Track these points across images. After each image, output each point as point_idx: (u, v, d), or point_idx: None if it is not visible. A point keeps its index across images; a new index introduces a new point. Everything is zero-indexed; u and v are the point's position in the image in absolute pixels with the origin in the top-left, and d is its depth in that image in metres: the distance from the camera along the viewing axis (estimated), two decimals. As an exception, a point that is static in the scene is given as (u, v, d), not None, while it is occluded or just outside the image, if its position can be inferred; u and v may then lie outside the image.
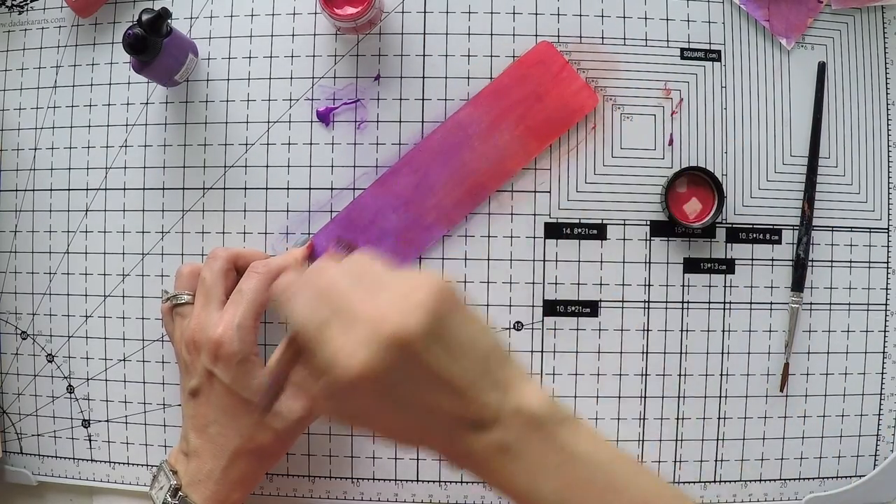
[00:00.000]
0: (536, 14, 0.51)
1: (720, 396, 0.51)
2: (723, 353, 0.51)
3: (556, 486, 0.33)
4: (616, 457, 0.35)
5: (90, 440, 0.53)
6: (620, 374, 0.51)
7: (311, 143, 0.51)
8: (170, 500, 0.43)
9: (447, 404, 0.32)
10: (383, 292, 0.32)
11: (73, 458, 0.53)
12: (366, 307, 0.32)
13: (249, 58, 0.52)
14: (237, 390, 0.43)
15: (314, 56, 0.52)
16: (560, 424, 0.34)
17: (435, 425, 0.33)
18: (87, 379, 0.53)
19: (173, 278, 0.50)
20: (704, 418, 0.51)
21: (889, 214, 0.52)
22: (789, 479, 0.51)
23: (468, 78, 0.51)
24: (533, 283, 0.51)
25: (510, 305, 0.51)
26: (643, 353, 0.51)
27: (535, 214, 0.51)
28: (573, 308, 0.51)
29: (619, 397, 0.51)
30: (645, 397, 0.51)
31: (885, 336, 0.51)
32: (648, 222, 0.51)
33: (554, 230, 0.51)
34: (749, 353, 0.51)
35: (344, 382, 0.31)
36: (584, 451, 0.34)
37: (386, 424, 0.34)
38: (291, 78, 0.52)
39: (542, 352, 0.51)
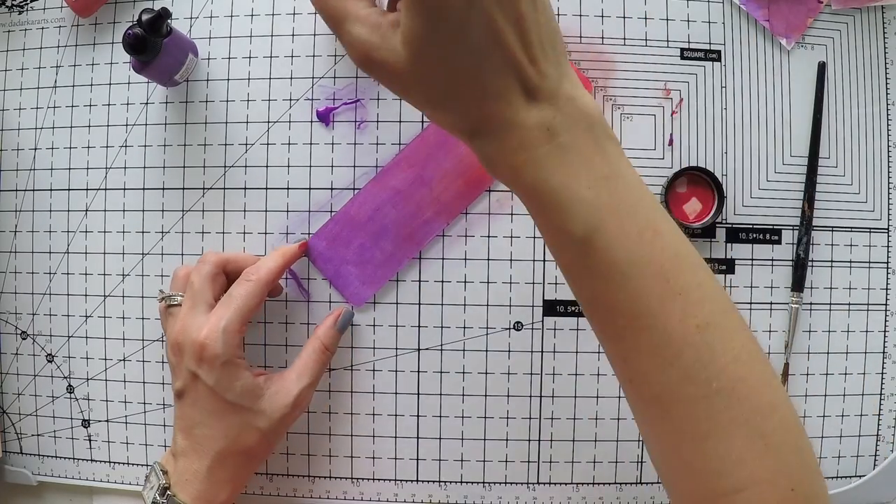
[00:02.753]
0: (536, 14, 0.51)
1: (720, 396, 0.51)
2: (723, 353, 0.51)
3: (594, 198, 0.29)
4: (657, 200, 0.31)
5: (90, 440, 0.53)
6: (620, 374, 0.51)
7: (311, 143, 0.51)
8: (158, 498, 0.43)
9: (513, 46, 0.29)
10: None
11: (73, 458, 0.53)
12: None
13: (249, 58, 0.52)
14: (221, 392, 0.43)
15: (314, 56, 0.52)
16: (609, 138, 0.31)
17: (491, 71, 0.29)
18: (87, 379, 0.53)
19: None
20: (704, 418, 0.51)
21: (889, 214, 0.52)
22: (789, 479, 0.51)
23: (468, 78, 0.51)
24: (533, 283, 0.51)
25: (510, 305, 0.51)
26: (643, 353, 0.51)
27: (535, 214, 0.51)
28: (573, 308, 0.51)
29: (619, 397, 0.51)
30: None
31: (885, 336, 0.51)
32: (648, 222, 0.51)
33: (554, 230, 0.51)
34: (749, 353, 0.51)
35: None
36: (630, 175, 0.31)
37: (442, 56, 0.29)
38: (291, 78, 0.52)
39: (542, 352, 0.51)
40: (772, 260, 0.51)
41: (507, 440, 0.51)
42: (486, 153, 0.31)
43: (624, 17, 0.51)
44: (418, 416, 0.51)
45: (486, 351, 0.51)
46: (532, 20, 0.29)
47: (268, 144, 0.52)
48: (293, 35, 0.52)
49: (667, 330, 0.30)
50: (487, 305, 0.51)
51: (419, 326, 0.51)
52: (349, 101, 0.51)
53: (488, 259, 0.51)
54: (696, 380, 0.30)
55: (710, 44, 0.51)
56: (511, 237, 0.51)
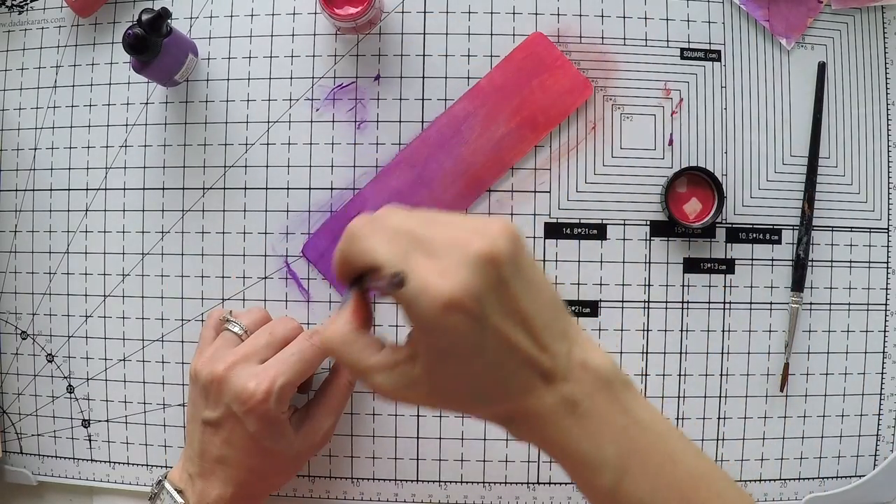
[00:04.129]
0: (536, 14, 0.51)
1: (720, 396, 0.51)
2: (723, 353, 0.51)
3: (618, 450, 0.32)
4: (672, 428, 0.34)
5: (90, 440, 0.53)
6: (620, 374, 0.51)
7: (311, 143, 0.51)
8: None
9: (525, 345, 0.31)
10: (458, 225, 0.32)
11: (73, 458, 0.53)
12: (446, 236, 0.31)
13: (249, 58, 0.52)
14: (260, 440, 0.43)
15: (314, 56, 0.52)
16: (624, 386, 0.33)
17: (509, 374, 0.32)
18: (87, 379, 0.53)
19: (176, 279, 0.50)
20: (704, 418, 0.51)
21: (889, 214, 0.52)
22: (789, 479, 0.51)
23: (468, 78, 0.51)
24: (533, 283, 0.51)
25: (510, 305, 0.51)
26: (643, 353, 0.51)
27: (535, 214, 0.51)
28: (573, 307, 0.51)
29: (619, 397, 0.51)
30: (645, 397, 0.51)
31: (885, 336, 0.51)
32: (648, 222, 0.51)
33: (554, 230, 0.51)
34: (749, 353, 0.51)
35: (438, 306, 0.29)
36: (646, 417, 0.33)
37: (463, 373, 0.32)
38: (291, 78, 0.52)
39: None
40: (772, 260, 0.51)
41: (507, 440, 0.51)
42: (520, 435, 0.34)
43: (624, 17, 0.51)
44: (418, 416, 0.51)
45: (486, 351, 0.51)
46: (535, 313, 0.32)
47: (268, 144, 0.52)
48: (293, 35, 0.52)
49: None
50: (487, 305, 0.51)
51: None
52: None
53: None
54: None
55: (710, 44, 0.51)
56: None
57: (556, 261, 0.51)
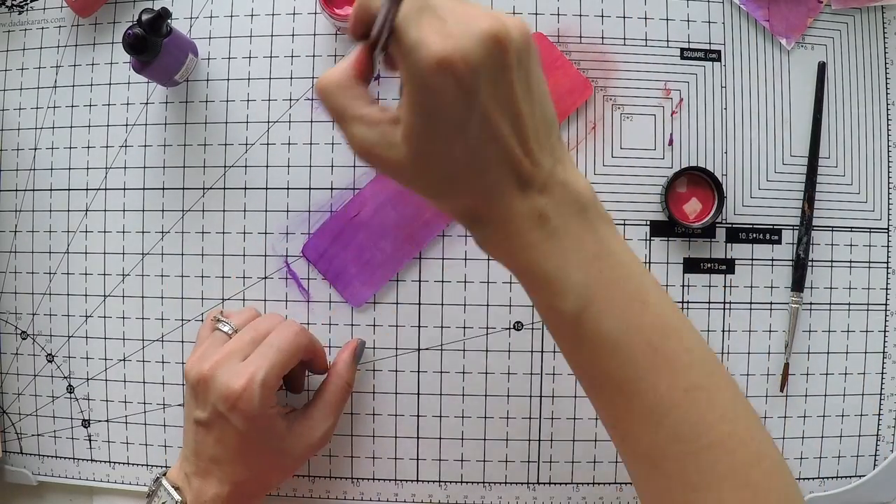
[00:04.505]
0: (536, 14, 0.51)
1: (720, 396, 0.51)
2: (723, 353, 0.51)
3: (585, 277, 0.32)
4: (646, 271, 0.34)
5: (90, 440, 0.53)
6: (620, 374, 0.51)
7: (311, 143, 0.51)
8: None
9: (510, 141, 0.31)
10: (478, 6, 0.31)
11: (73, 458, 0.53)
12: (463, 9, 0.30)
13: (249, 58, 0.52)
14: (250, 438, 0.43)
15: (314, 56, 0.52)
16: (601, 218, 0.33)
17: (487, 164, 0.31)
18: (87, 379, 0.53)
19: (176, 279, 0.50)
20: (704, 418, 0.51)
21: (889, 214, 0.52)
22: (789, 479, 0.51)
23: (468, 78, 0.51)
24: (533, 283, 0.51)
25: (510, 305, 0.51)
26: (643, 353, 0.51)
27: (535, 214, 0.51)
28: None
29: (619, 397, 0.51)
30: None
31: (885, 336, 0.51)
32: (648, 222, 0.51)
33: (554, 230, 0.51)
34: (749, 353, 0.51)
35: (431, 61, 0.29)
36: (620, 251, 0.33)
37: (441, 149, 0.31)
38: (291, 78, 0.52)
39: (542, 352, 0.51)
40: (772, 260, 0.51)
41: (507, 440, 0.51)
42: (483, 238, 0.33)
43: (624, 17, 0.51)
44: (418, 416, 0.51)
45: (486, 351, 0.51)
46: (528, 114, 0.31)
47: (268, 144, 0.52)
48: (293, 35, 0.52)
49: (655, 395, 0.32)
50: (487, 305, 0.51)
51: (419, 326, 0.51)
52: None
53: (488, 259, 0.51)
54: (685, 438, 0.32)
55: (710, 44, 0.51)
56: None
57: (556, 261, 0.51)
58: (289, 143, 0.52)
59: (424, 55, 0.29)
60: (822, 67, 0.51)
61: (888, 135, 0.52)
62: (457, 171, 0.32)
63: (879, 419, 0.51)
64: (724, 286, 0.51)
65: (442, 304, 0.51)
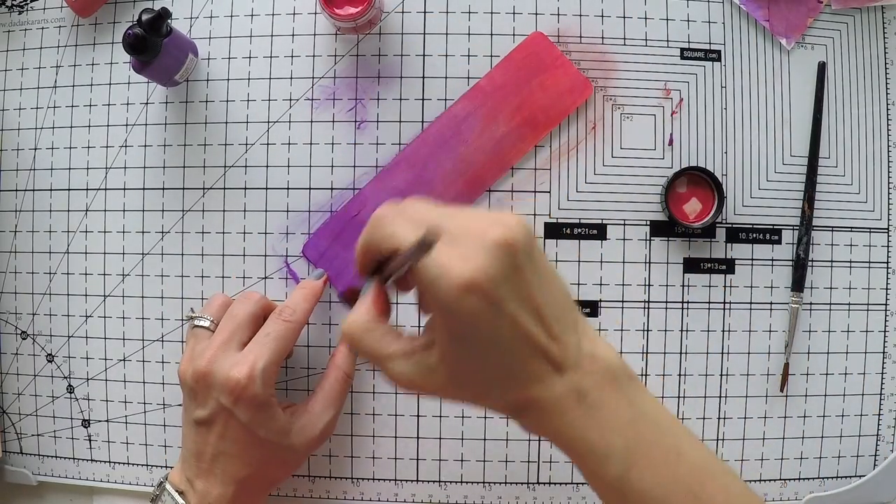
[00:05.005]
0: (536, 14, 0.51)
1: (720, 396, 0.51)
2: (723, 353, 0.51)
3: (625, 441, 0.33)
4: (676, 422, 0.35)
5: (90, 440, 0.53)
6: (620, 374, 0.51)
7: (311, 143, 0.51)
8: None
9: (537, 333, 0.32)
10: (477, 216, 0.33)
11: (73, 458, 0.53)
12: (466, 225, 0.32)
13: (249, 58, 0.52)
14: (253, 429, 0.43)
15: (314, 56, 0.52)
16: (631, 380, 0.34)
17: (521, 362, 0.33)
18: (87, 379, 0.53)
19: (176, 279, 0.50)
20: (704, 418, 0.51)
21: (889, 214, 0.52)
22: (789, 479, 0.51)
23: (468, 78, 0.51)
24: (533, 283, 0.51)
25: (510, 305, 0.51)
26: (643, 353, 0.51)
27: (535, 214, 0.51)
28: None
29: (619, 397, 0.51)
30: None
31: (885, 336, 0.51)
32: (648, 222, 0.51)
33: (554, 230, 0.51)
34: (749, 353, 0.51)
35: (457, 287, 0.31)
36: (652, 410, 0.34)
37: (478, 360, 0.33)
38: (291, 78, 0.52)
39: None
40: (772, 260, 0.51)
41: (507, 440, 0.51)
42: (530, 425, 0.35)
43: (624, 17, 0.51)
44: (418, 416, 0.51)
45: (486, 351, 0.51)
46: (546, 303, 0.33)
47: (268, 144, 0.52)
48: (293, 35, 0.52)
49: None
50: (487, 305, 0.51)
51: (419, 326, 0.51)
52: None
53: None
54: None
55: (710, 44, 0.51)
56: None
57: (556, 261, 0.51)
58: (289, 143, 0.52)
59: (448, 285, 0.31)
60: (822, 67, 0.51)
61: (888, 135, 0.52)
62: (495, 374, 0.34)
63: (879, 419, 0.51)
64: (724, 286, 0.51)
65: (442, 304, 0.51)
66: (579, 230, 0.51)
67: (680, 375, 0.51)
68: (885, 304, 0.51)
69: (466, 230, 0.32)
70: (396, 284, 0.37)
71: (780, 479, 0.51)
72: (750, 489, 0.36)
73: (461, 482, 0.51)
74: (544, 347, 0.33)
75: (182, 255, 0.52)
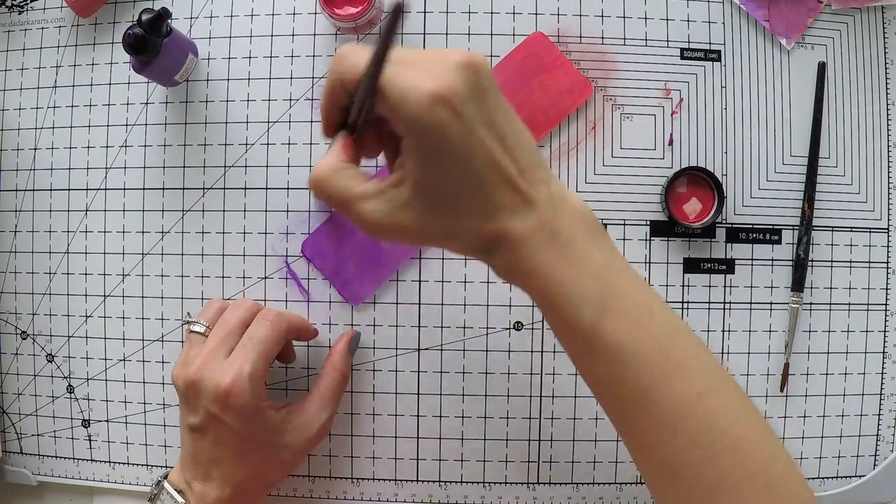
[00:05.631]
0: (536, 14, 0.51)
1: (720, 396, 0.51)
2: (723, 353, 0.51)
3: (598, 287, 0.33)
4: (645, 281, 0.35)
5: (90, 440, 0.53)
6: (620, 374, 0.51)
7: (311, 144, 0.51)
8: None
9: (505, 162, 0.32)
10: (433, 48, 0.33)
11: (73, 458, 0.53)
12: (427, 53, 0.32)
13: (249, 58, 0.52)
14: (245, 434, 0.43)
15: (314, 56, 0.52)
16: (601, 231, 0.34)
17: (491, 188, 0.32)
18: (87, 379, 0.53)
19: (176, 279, 0.50)
20: (704, 418, 0.51)
21: (889, 214, 0.52)
22: (789, 479, 0.51)
23: (468, 78, 0.51)
24: (533, 283, 0.51)
25: (510, 305, 0.51)
26: (643, 353, 0.51)
27: (535, 214, 0.51)
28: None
29: (619, 397, 0.51)
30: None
31: (885, 336, 0.51)
32: (648, 222, 0.51)
33: (554, 230, 0.51)
34: (749, 353, 0.51)
35: (425, 98, 0.30)
36: (622, 264, 0.34)
37: (450, 186, 0.32)
38: (291, 78, 0.52)
39: (541, 352, 0.51)
40: (772, 260, 0.51)
41: (507, 440, 0.51)
42: (502, 265, 0.34)
43: (624, 17, 0.51)
44: (418, 416, 0.51)
45: (486, 351, 0.51)
46: (510, 133, 0.33)
47: (268, 144, 0.52)
48: (293, 35, 0.52)
49: (671, 401, 0.33)
50: (487, 305, 0.51)
51: (419, 326, 0.51)
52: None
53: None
54: (702, 443, 0.32)
55: (710, 44, 0.51)
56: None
57: (556, 261, 0.51)
58: (289, 143, 0.52)
59: (416, 96, 0.30)
60: (822, 67, 0.51)
61: (888, 135, 0.52)
62: (466, 203, 0.33)
63: (879, 419, 0.51)
64: (724, 286, 0.51)
65: (442, 304, 0.51)
66: (579, 230, 0.51)
67: (680, 375, 0.51)
68: (885, 304, 0.51)
69: (427, 55, 0.32)
70: (364, 148, 0.36)
71: (780, 479, 0.51)
72: (718, 363, 0.36)
73: (461, 482, 0.51)
74: (514, 179, 0.32)
75: (182, 255, 0.52)
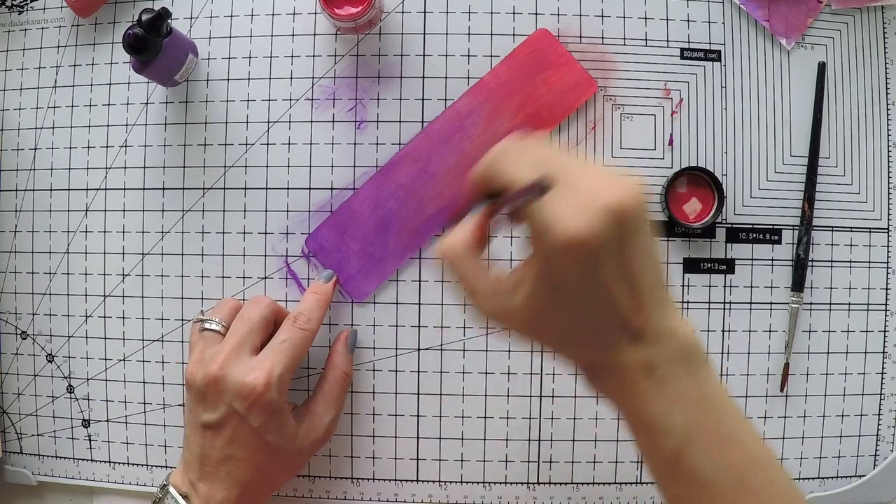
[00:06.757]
0: (536, 14, 0.51)
1: (720, 396, 0.51)
2: (723, 353, 0.51)
3: (687, 420, 0.33)
4: (738, 409, 0.36)
5: (90, 440, 0.53)
6: (620, 374, 0.51)
7: (311, 143, 0.51)
8: None
9: (624, 302, 0.33)
10: (596, 173, 0.33)
11: (73, 458, 0.53)
12: (584, 178, 0.32)
13: (249, 58, 0.52)
14: (262, 434, 0.43)
15: (314, 56, 0.52)
16: (703, 362, 0.35)
17: (602, 324, 0.33)
18: (87, 379, 0.53)
19: (176, 279, 0.50)
20: (704, 418, 0.51)
21: (889, 214, 0.52)
22: (789, 479, 0.51)
23: (468, 78, 0.51)
24: (533, 283, 0.51)
25: (510, 305, 0.51)
26: (643, 353, 0.51)
27: (535, 214, 0.51)
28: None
29: (619, 397, 0.51)
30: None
31: (885, 336, 0.51)
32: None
33: (554, 230, 0.51)
34: (749, 353, 0.51)
35: (564, 240, 0.31)
36: (717, 394, 0.35)
37: (561, 314, 0.34)
38: (291, 78, 0.52)
39: (542, 351, 0.51)
40: (772, 260, 0.51)
41: (507, 440, 0.51)
42: (597, 384, 0.36)
43: (624, 17, 0.51)
44: (418, 416, 0.51)
45: (486, 351, 0.51)
46: (641, 275, 0.33)
47: (268, 144, 0.52)
48: (293, 35, 0.52)
49: None
50: (487, 305, 0.51)
51: (419, 326, 0.51)
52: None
53: (488, 259, 0.51)
54: None
55: (710, 44, 0.51)
56: (511, 237, 0.51)
57: (556, 261, 0.51)
58: (289, 143, 0.52)
59: (554, 235, 0.31)
60: (822, 67, 0.51)
61: (888, 135, 0.52)
62: (573, 332, 0.34)
63: (879, 419, 0.51)
64: (724, 286, 0.51)
65: (442, 304, 0.51)
66: (579, 230, 0.51)
67: (680, 375, 0.51)
68: (885, 304, 0.51)
69: (584, 184, 0.32)
70: (510, 217, 0.37)
71: (780, 479, 0.51)
72: (794, 485, 0.36)
73: (461, 482, 0.51)
74: (627, 317, 0.33)
75: (182, 255, 0.52)
